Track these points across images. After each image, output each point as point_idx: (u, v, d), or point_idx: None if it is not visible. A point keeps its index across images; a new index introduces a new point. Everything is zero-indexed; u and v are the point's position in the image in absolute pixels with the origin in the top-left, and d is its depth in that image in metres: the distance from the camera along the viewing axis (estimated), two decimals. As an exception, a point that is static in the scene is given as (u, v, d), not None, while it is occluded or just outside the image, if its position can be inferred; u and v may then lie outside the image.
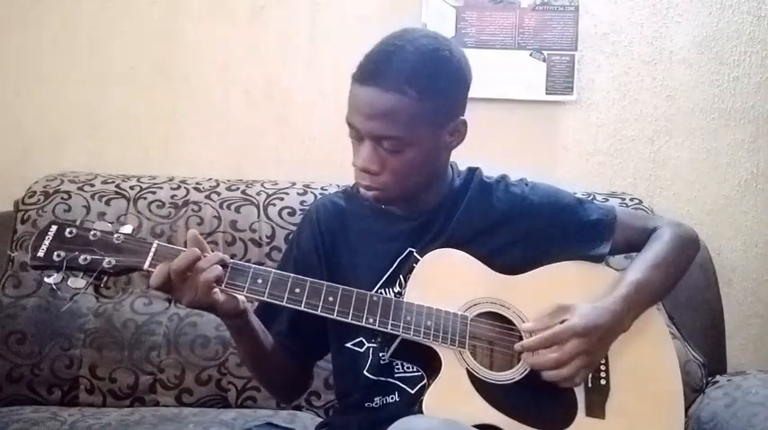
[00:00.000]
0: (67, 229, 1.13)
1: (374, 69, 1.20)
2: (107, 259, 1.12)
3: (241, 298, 1.18)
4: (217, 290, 1.14)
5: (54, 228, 1.14)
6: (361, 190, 1.26)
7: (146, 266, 1.13)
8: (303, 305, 1.16)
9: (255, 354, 1.30)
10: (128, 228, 1.16)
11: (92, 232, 1.14)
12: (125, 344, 1.72)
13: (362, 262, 1.30)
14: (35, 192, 1.83)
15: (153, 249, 1.14)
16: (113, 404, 1.71)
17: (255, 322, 1.25)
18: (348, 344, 1.30)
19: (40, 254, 1.12)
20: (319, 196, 1.83)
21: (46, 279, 1.13)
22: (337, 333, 1.32)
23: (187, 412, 1.65)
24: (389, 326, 1.18)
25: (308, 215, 1.42)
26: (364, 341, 1.28)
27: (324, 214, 1.37)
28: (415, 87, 1.17)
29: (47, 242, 1.12)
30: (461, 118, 1.27)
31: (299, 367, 1.40)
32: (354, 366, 1.29)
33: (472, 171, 1.39)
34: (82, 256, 1.12)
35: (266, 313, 1.36)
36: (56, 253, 1.11)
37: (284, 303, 1.16)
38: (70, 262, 1.11)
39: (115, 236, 1.14)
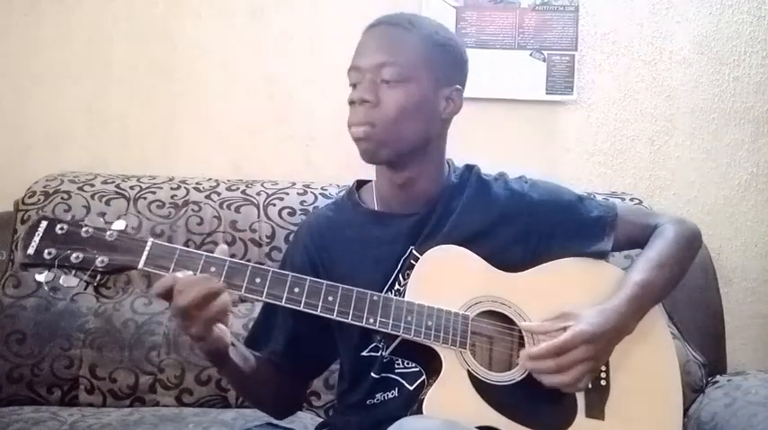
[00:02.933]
0: (58, 226, 1.09)
1: (383, 18, 1.29)
2: (100, 258, 1.08)
3: (228, 335, 1.13)
4: (218, 324, 1.10)
5: (44, 224, 1.09)
6: (352, 129, 1.24)
7: (140, 266, 1.09)
8: (302, 305, 1.13)
9: (237, 380, 1.27)
10: (120, 224, 1.11)
11: (84, 229, 1.09)
12: (125, 344, 1.71)
13: (364, 270, 1.27)
14: (35, 192, 1.83)
15: (148, 248, 1.10)
16: (113, 404, 1.70)
17: (235, 356, 1.20)
18: (364, 353, 1.28)
19: (30, 252, 1.07)
20: (319, 196, 1.84)
21: (37, 276, 1.08)
22: (350, 344, 1.29)
23: (187, 412, 1.65)
24: (390, 327, 1.16)
25: (298, 233, 1.40)
26: (378, 346, 1.27)
27: (316, 229, 1.35)
28: (419, 29, 1.26)
29: (36, 239, 1.07)
30: (457, 86, 1.28)
31: (292, 385, 1.37)
32: (368, 370, 1.28)
33: (470, 168, 1.37)
34: (74, 255, 1.07)
35: (261, 331, 1.34)
36: (47, 251, 1.07)
37: (283, 303, 1.13)
38: (62, 260, 1.07)
39: (108, 233, 1.09)
